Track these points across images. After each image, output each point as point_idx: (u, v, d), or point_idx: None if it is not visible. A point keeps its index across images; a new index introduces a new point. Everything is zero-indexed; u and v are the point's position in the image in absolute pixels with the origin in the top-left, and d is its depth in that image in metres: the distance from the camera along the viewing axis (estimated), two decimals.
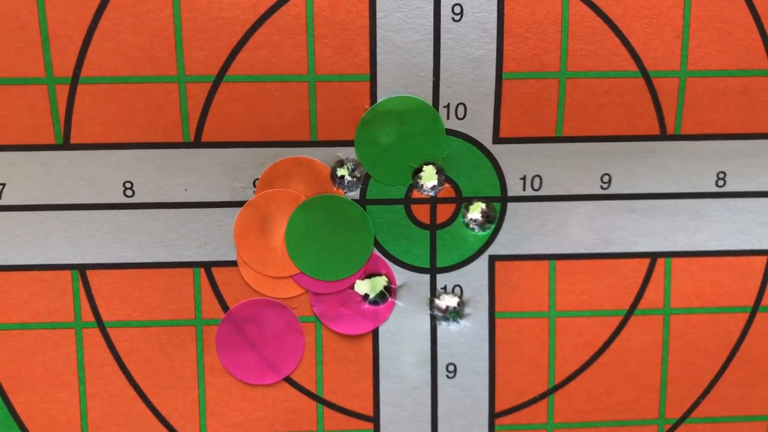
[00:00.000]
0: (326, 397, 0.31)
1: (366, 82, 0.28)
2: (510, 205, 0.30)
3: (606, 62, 0.28)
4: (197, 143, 0.28)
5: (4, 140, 0.28)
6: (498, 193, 0.30)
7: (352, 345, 0.30)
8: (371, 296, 0.30)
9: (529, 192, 0.30)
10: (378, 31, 0.28)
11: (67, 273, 0.29)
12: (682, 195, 0.30)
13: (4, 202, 0.29)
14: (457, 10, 0.28)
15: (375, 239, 0.30)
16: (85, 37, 0.27)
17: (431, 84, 0.28)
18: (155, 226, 0.29)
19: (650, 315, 0.30)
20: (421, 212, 0.30)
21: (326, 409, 0.31)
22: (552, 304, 0.30)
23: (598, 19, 0.28)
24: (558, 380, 0.31)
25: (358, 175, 0.29)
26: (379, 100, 0.28)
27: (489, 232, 0.30)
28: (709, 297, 0.30)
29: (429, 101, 0.29)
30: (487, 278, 0.30)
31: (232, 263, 0.29)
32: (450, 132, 0.29)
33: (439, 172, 0.29)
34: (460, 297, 0.30)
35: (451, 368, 0.31)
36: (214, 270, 0.29)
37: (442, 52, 0.28)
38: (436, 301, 0.30)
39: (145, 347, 0.30)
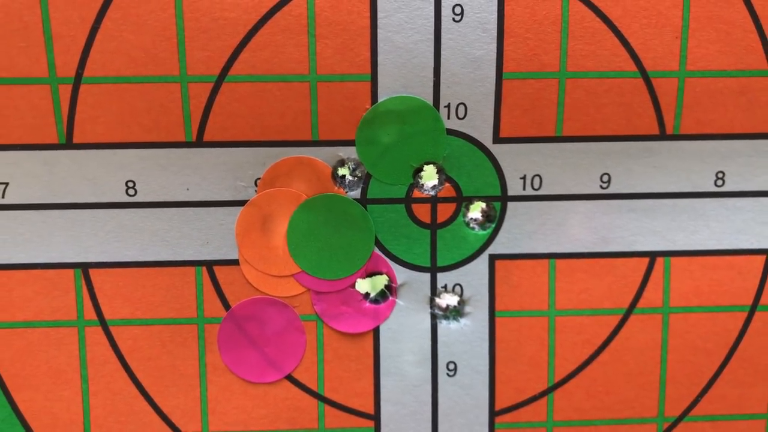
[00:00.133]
0: (327, 395, 0.31)
1: (367, 82, 0.28)
2: (510, 205, 0.30)
3: (605, 62, 0.29)
4: (199, 143, 0.29)
5: (7, 139, 0.28)
6: (498, 192, 0.30)
7: (353, 343, 0.30)
8: (372, 295, 0.30)
9: (529, 191, 0.30)
10: (379, 31, 0.28)
11: (70, 271, 0.29)
12: (681, 194, 0.30)
13: (7, 201, 0.29)
14: (458, 10, 0.28)
15: (376, 238, 0.30)
16: (88, 37, 0.27)
17: (432, 84, 0.28)
18: (157, 225, 0.29)
19: (649, 314, 0.31)
20: (422, 211, 0.30)
21: (327, 407, 0.31)
22: (552, 302, 0.30)
23: (598, 19, 0.28)
24: (558, 378, 0.31)
25: (359, 175, 0.29)
26: (380, 100, 0.28)
27: (489, 231, 0.30)
28: (708, 296, 0.31)
29: (429, 101, 0.29)
30: (488, 277, 0.30)
31: (234, 262, 0.30)
32: (450, 132, 0.29)
33: (440, 171, 0.30)
34: (461, 296, 0.30)
35: (451, 366, 0.31)
36: (216, 269, 0.30)
37: (442, 52, 0.28)
38: (437, 300, 0.30)
39: (147, 345, 0.30)
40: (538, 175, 0.30)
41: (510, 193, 0.30)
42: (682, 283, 0.31)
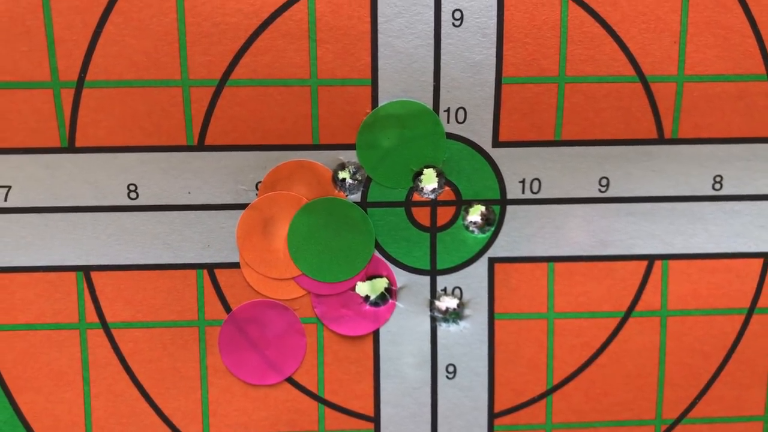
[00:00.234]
0: (327, 397, 0.31)
1: (367, 87, 0.28)
2: (509, 208, 0.30)
3: (604, 67, 0.29)
4: (200, 146, 0.29)
5: (9, 143, 0.28)
6: (497, 196, 0.30)
7: (353, 346, 0.31)
8: (372, 298, 0.30)
9: (528, 195, 0.30)
10: (379, 36, 0.28)
11: (72, 274, 0.29)
12: (680, 198, 0.30)
13: (9, 204, 0.29)
14: (458, 15, 0.28)
15: (376, 241, 0.30)
16: (91, 41, 0.28)
17: (432, 88, 0.29)
18: (159, 228, 0.29)
19: (648, 317, 0.31)
20: (422, 215, 0.30)
21: (327, 410, 0.31)
22: (551, 305, 0.31)
23: (597, 24, 0.28)
24: (556, 381, 0.31)
25: (360, 178, 0.30)
26: (380, 104, 0.29)
27: (488, 234, 0.30)
28: (706, 299, 0.31)
29: (429, 105, 0.29)
30: (487, 280, 0.30)
31: (235, 265, 0.30)
32: (450, 136, 0.29)
33: (440, 175, 0.30)
34: (460, 299, 0.31)
35: (450, 369, 0.31)
36: (217, 271, 0.30)
37: (442, 57, 0.28)
38: (436, 303, 0.31)
39: (148, 348, 0.30)
40: (537, 179, 0.30)
41: (509, 196, 0.30)
42: (680, 286, 0.31)
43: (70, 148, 0.28)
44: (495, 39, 0.28)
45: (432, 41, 0.28)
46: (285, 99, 0.28)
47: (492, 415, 0.31)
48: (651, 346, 0.31)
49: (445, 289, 0.31)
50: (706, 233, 0.30)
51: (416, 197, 0.30)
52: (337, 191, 0.30)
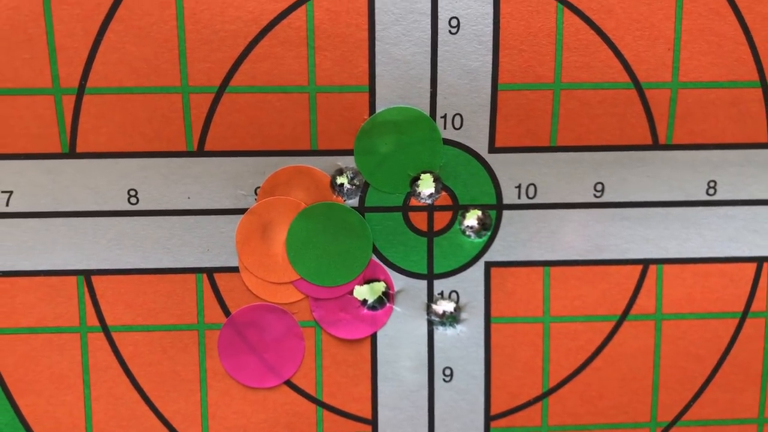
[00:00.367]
0: (326, 400, 0.31)
1: (365, 93, 0.29)
2: (505, 213, 0.30)
3: (599, 74, 0.29)
4: (200, 152, 0.29)
5: (11, 149, 0.28)
6: (494, 201, 0.30)
7: (351, 349, 0.31)
8: (370, 301, 0.31)
9: (524, 200, 0.30)
10: (377, 43, 0.28)
11: (73, 278, 0.30)
12: (674, 203, 0.30)
13: (11, 209, 0.29)
14: (454, 23, 0.28)
15: (373, 246, 0.30)
16: (91, 48, 0.28)
17: (429, 95, 0.29)
18: (159, 233, 0.30)
19: (642, 320, 0.31)
20: (419, 219, 0.30)
21: (326, 412, 0.31)
22: (546, 309, 0.31)
23: (592, 31, 0.29)
24: (552, 384, 0.31)
25: (357, 183, 0.30)
26: (377, 111, 0.29)
27: (485, 239, 0.30)
28: (700, 303, 0.31)
29: (426, 112, 0.29)
30: (483, 284, 0.31)
31: (234, 269, 0.30)
32: (447, 141, 0.29)
33: (437, 180, 0.30)
34: (457, 302, 0.31)
35: (447, 372, 0.31)
36: (217, 276, 0.30)
37: (439, 64, 0.29)
38: (433, 307, 0.31)
39: (148, 351, 0.30)
40: (532, 184, 0.30)
41: (505, 201, 0.30)
42: (675, 290, 0.31)
43: (71, 153, 0.29)
44: (491, 46, 0.28)
45: (429, 48, 0.28)
46: (284, 105, 0.29)
47: (488, 418, 0.31)
48: (646, 349, 0.31)
49: (441, 293, 0.31)
50: (700, 238, 0.31)
51: (413, 202, 0.30)
52: (335, 196, 0.30)
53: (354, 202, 0.30)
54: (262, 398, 0.31)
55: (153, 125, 0.28)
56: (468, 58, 0.29)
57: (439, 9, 0.28)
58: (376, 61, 0.28)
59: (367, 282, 0.30)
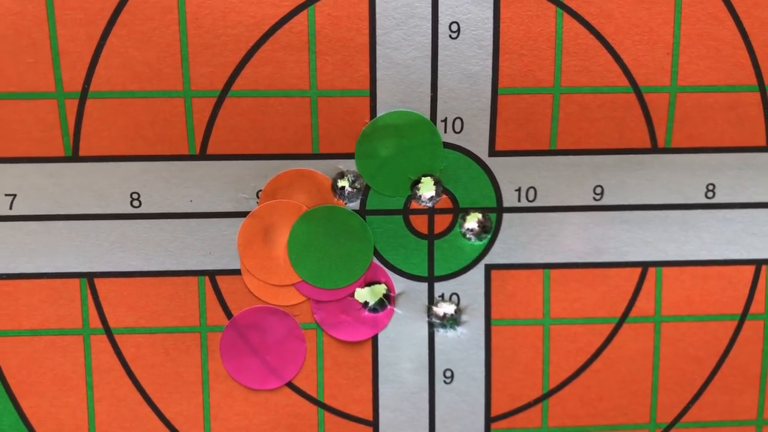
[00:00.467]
0: (327, 401, 0.31)
1: (366, 97, 0.29)
2: (505, 216, 0.30)
3: (599, 78, 0.29)
4: (202, 156, 0.29)
5: (15, 152, 0.29)
6: (494, 204, 0.30)
7: (352, 351, 0.31)
8: (371, 304, 0.31)
9: (524, 203, 0.30)
10: (378, 48, 0.28)
11: (76, 281, 0.30)
12: (673, 206, 0.30)
13: (14, 212, 0.29)
14: (455, 27, 0.28)
15: (374, 248, 0.30)
16: (94, 53, 0.28)
17: (429, 99, 0.29)
18: (161, 236, 0.30)
19: (641, 322, 0.31)
20: (420, 222, 0.30)
21: (327, 414, 0.31)
22: (546, 311, 0.31)
23: (591, 36, 0.29)
24: (552, 386, 0.31)
25: (359, 187, 0.30)
26: (378, 115, 0.29)
27: (485, 241, 0.31)
28: (699, 305, 0.31)
29: (427, 115, 0.29)
30: (484, 286, 0.31)
31: (236, 272, 0.30)
32: (447, 145, 0.30)
33: (437, 183, 0.30)
34: (457, 305, 0.31)
35: (448, 374, 0.31)
36: (219, 278, 0.30)
37: (439, 68, 0.29)
38: (434, 309, 0.31)
39: (151, 353, 0.30)
40: (532, 187, 0.30)
41: (505, 204, 0.30)
42: (674, 293, 0.31)
43: (74, 157, 0.29)
44: (491, 51, 0.29)
45: (429, 53, 0.29)
46: (285, 109, 0.29)
47: (489, 420, 0.31)
48: (645, 351, 0.31)
49: (442, 296, 0.31)
50: (699, 240, 0.31)
51: (414, 205, 0.30)
52: (336, 199, 0.30)
53: (355, 205, 0.30)
54: (263, 400, 0.31)
55: (155, 129, 0.29)
56: (468, 63, 0.29)
57: (440, 14, 0.28)
58: (377, 65, 0.28)
59: (368, 284, 0.31)
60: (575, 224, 0.30)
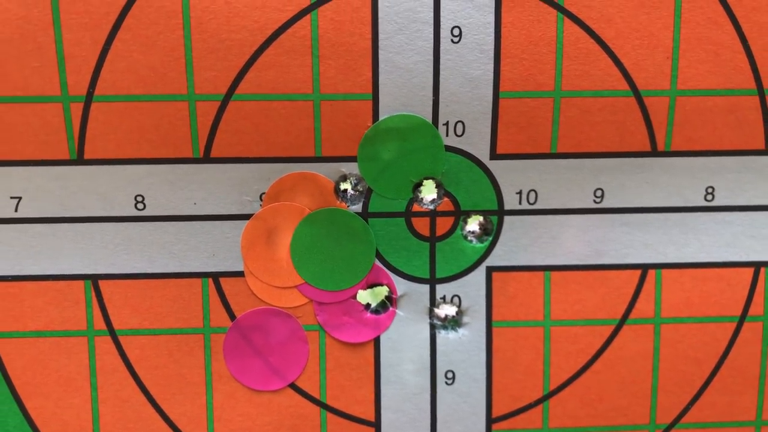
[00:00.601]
0: (329, 402, 0.31)
1: (368, 101, 0.29)
2: (506, 219, 0.30)
3: (599, 82, 0.29)
4: (206, 159, 0.29)
5: (20, 155, 0.29)
6: (495, 206, 0.30)
7: (355, 353, 0.31)
8: (373, 306, 0.31)
9: (525, 206, 0.30)
10: (380, 52, 0.29)
11: (80, 283, 0.30)
12: (673, 209, 0.31)
13: (19, 214, 0.29)
14: (456, 32, 0.29)
15: (377, 251, 0.30)
16: (99, 57, 0.28)
17: (431, 103, 0.29)
18: (165, 238, 0.30)
19: (641, 324, 0.31)
20: (421, 225, 0.31)
21: (329, 415, 0.31)
22: (547, 313, 0.31)
23: (592, 40, 0.29)
24: (553, 387, 0.32)
25: (361, 189, 0.30)
26: (381, 118, 0.29)
27: (486, 244, 0.31)
28: (698, 307, 0.31)
29: (429, 119, 0.29)
30: (485, 288, 0.31)
31: (239, 274, 0.30)
32: (449, 148, 0.30)
33: (439, 186, 0.30)
34: (459, 306, 0.31)
35: (449, 375, 0.31)
36: (222, 280, 0.30)
37: (441, 72, 0.29)
38: (436, 311, 0.31)
39: (155, 354, 0.31)
40: (533, 190, 0.30)
41: (506, 207, 0.30)
42: (673, 295, 0.31)
43: (79, 160, 0.29)
44: (492, 55, 0.29)
45: (431, 57, 0.29)
46: (288, 113, 0.29)
47: (490, 420, 0.32)
48: (645, 352, 0.31)
49: (444, 298, 0.31)
50: (698, 243, 0.31)
51: (416, 208, 0.30)
52: (338, 202, 0.30)
53: (357, 207, 0.30)
54: (266, 401, 0.31)
55: (160, 132, 0.29)
56: (470, 67, 0.29)
57: (442, 18, 0.28)
58: (380, 69, 0.29)
59: (371, 286, 0.31)
60: (576, 227, 0.31)
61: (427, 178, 0.30)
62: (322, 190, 0.30)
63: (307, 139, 0.29)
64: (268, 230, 0.30)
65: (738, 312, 0.31)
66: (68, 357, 0.30)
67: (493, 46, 0.29)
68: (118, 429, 0.31)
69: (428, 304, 0.31)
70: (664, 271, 0.31)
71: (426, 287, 0.31)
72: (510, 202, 0.30)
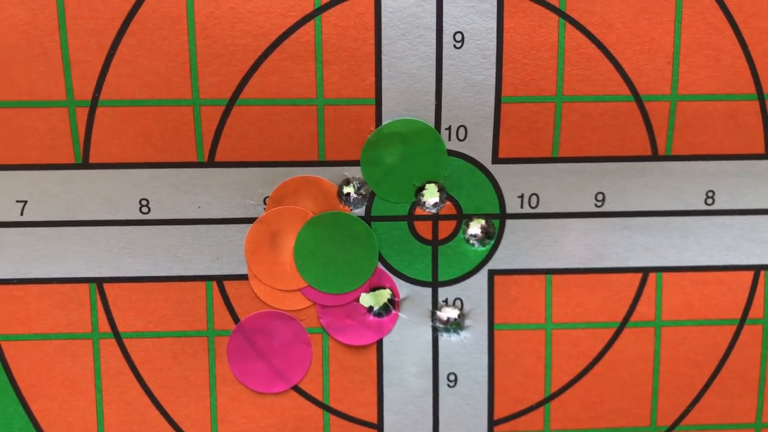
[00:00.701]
0: (332, 404, 0.31)
1: (371, 106, 0.29)
2: (508, 222, 0.31)
3: (600, 87, 0.29)
4: (210, 163, 0.29)
5: (26, 159, 0.29)
6: (497, 210, 0.31)
7: (358, 355, 0.31)
8: (375, 308, 0.31)
9: (527, 209, 0.30)
10: (383, 57, 0.29)
11: (85, 286, 0.30)
12: (673, 213, 0.31)
13: (25, 218, 0.29)
14: (459, 37, 0.29)
15: (379, 254, 0.31)
16: (105, 62, 0.28)
17: (434, 107, 0.29)
18: (169, 242, 0.30)
19: (642, 327, 0.31)
20: (424, 228, 0.31)
21: (332, 417, 0.31)
22: (548, 316, 0.31)
23: (593, 46, 0.29)
24: (554, 389, 0.32)
25: (364, 193, 0.30)
26: (384, 123, 0.29)
27: (488, 247, 0.31)
28: (699, 310, 0.31)
29: (431, 124, 0.29)
30: (487, 291, 0.31)
31: (243, 277, 0.30)
32: (451, 153, 0.30)
33: (441, 190, 0.30)
34: (461, 309, 0.31)
35: (451, 377, 0.31)
36: (226, 283, 0.30)
37: (444, 77, 0.29)
38: (438, 314, 0.31)
39: (159, 357, 0.31)
40: (535, 194, 0.30)
41: (508, 211, 0.31)
42: (674, 298, 0.31)
43: (84, 164, 0.29)
44: (495, 60, 0.29)
45: (434, 62, 0.29)
46: (292, 117, 0.29)
47: (492, 423, 0.32)
48: (645, 355, 0.31)
49: (446, 301, 0.31)
50: (698, 246, 0.31)
51: (418, 211, 0.30)
52: (342, 206, 0.30)
53: (360, 211, 0.30)
54: (270, 403, 0.31)
55: (164, 137, 0.29)
56: (472, 72, 0.29)
57: (444, 24, 0.29)
58: (383, 74, 0.29)
59: (373, 289, 0.31)
60: (577, 230, 0.31)
61: (429, 182, 0.30)
62: (326, 194, 0.30)
63: (311, 143, 0.29)
64: (271, 234, 0.30)
65: (738, 315, 0.31)
66: (73, 359, 0.30)
67: (495, 52, 0.29)
68: (123, 431, 0.31)
69: (430, 307, 0.31)
70: (665, 275, 0.31)
71: (428, 290, 0.31)
72: (512, 206, 0.30)
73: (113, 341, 0.30)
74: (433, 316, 0.31)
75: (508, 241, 0.31)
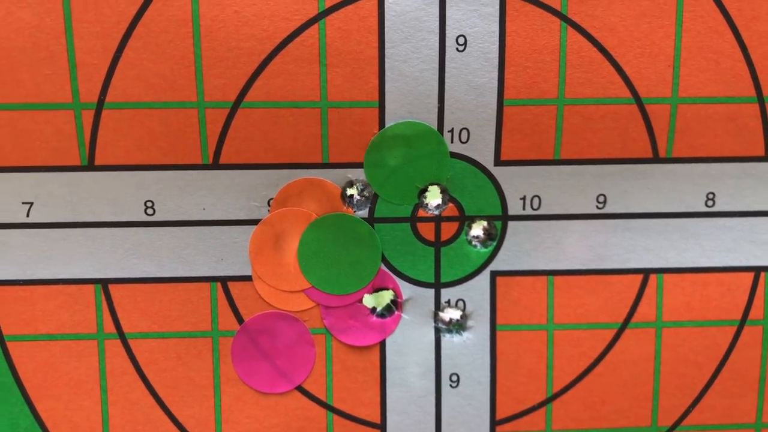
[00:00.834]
0: (336, 405, 0.31)
1: (375, 109, 0.29)
2: (510, 224, 0.31)
3: (601, 89, 0.29)
4: (215, 165, 0.29)
5: (32, 161, 0.29)
6: (499, 212, 0.31)
7: (361, 356, 0.31)
8: (378, 309, 0.31)
9: (529, 211, 0.31)
10: (387, 60, 0.29)
11: (91, 287, 0.30)
12: (674, 214, 0.31)
13: (31, 219, 0.29)
14: (461, 41, 0.29)
15: (382, 255, 0.31)
16: (110, 65, 0.28)
17: (436, 110, 0.29)
18: (174, 243, 0.30)
19: (643, 328, 0.31)
20: (427, 230, 0.31)
21: (336, 417, 0.31)
22: (550, 317, 0.31)
23: (594, 49, 0.29)
24: (556, 389, 0.32)
25: (367, 195, 0.30)
26: (387, 125, 0.29)
27: (490, 249, 0.31)
28: (699, 311, 0.31)
29: (434, 126, 0.30)
30: (489, 293, 0.31)
31: (247, 278, 0.30)
32: (454, 155, 0.30)
33: (444, 192, 0.30)
34: (463, 310, 0.31)
35: (454, 378, 0.32)
36: (230, 284, 0.30)
37: (446, 80, 0.29)
38: (440, 314, 0.31)
39: (163, 357, 0.31)
40: (537, 196, 0.31)
41: (510, 212, 0.31)
42: (674, 299, 0.31)
43: (90, 166, 0.29)
44: (497, 63, 0.29)
45: (437, 65, 0.29)
46: (296, 120, 0.29)
47: (494, 423, 0.32)
48: (646, 356, 0.32)
49: (448, 301, 0.31)
50: (699, 248, 0.31)
51: (421, 213, 0.31)
52: (345, 207, 0.30)
53: (364, 213, 0.30)
54: (273, 403, 0.31)
55: (169, 139, 0.29)
56: (474, 75, 0.29)
57: (447, 27, 0.29)
58: (386, 77, 0.29)
59: (376, 290, 0.31)
60: (578, 232, 0.31)
61: (432, 184, 0.30)
62: (329, 195, 0.30)
63: (315, 145, 0.29)
64: (275, 235, 0.30)
65: (738, 316, 0.32)
66: (78, 360, 0.30)
67: (497, 55, 0.29)
68: (128, 431, 0.31)
69: (433, 308, 0.31)
70: (666, 276, 0.31)
71: (431, 291, 0.31)
72: (514, 208, 0.31)
73: (118, 342, 0.31)
74: (436, 317, 0.31)
75: (510, 242, 0.31)
